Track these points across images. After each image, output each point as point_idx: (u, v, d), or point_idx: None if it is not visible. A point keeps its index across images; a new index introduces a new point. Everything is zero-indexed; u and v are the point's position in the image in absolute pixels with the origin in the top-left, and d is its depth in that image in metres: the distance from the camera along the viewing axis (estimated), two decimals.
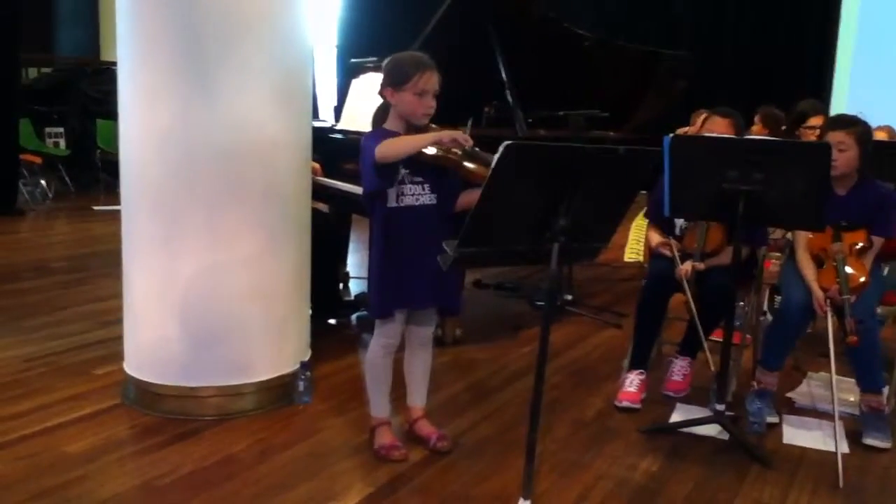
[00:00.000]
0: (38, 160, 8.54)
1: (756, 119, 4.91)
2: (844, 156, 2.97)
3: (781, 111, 4.93)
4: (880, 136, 4.53)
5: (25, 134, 8.43)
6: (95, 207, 8.10)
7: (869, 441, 2.92)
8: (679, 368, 3.40)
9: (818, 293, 2.94)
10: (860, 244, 2.98)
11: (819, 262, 3.02)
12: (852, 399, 3.15)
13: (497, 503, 2.43)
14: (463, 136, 2.40)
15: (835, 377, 2.83)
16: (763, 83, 8.91)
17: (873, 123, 3.29)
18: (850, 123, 3.02)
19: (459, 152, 2.43)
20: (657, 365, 3.56)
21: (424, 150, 2.42)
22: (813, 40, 8.96)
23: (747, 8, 9.34)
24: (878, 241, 3.02)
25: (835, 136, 2.97)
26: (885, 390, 3.08)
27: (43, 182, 8.58)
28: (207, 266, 2.89)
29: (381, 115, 2.60)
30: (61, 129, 9.59)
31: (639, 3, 9.80)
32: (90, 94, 9.90)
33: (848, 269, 2.89)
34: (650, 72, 5.21)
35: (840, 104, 8.31)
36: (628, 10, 9.79)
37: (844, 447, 2.85)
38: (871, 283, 2.94)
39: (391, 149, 2.42)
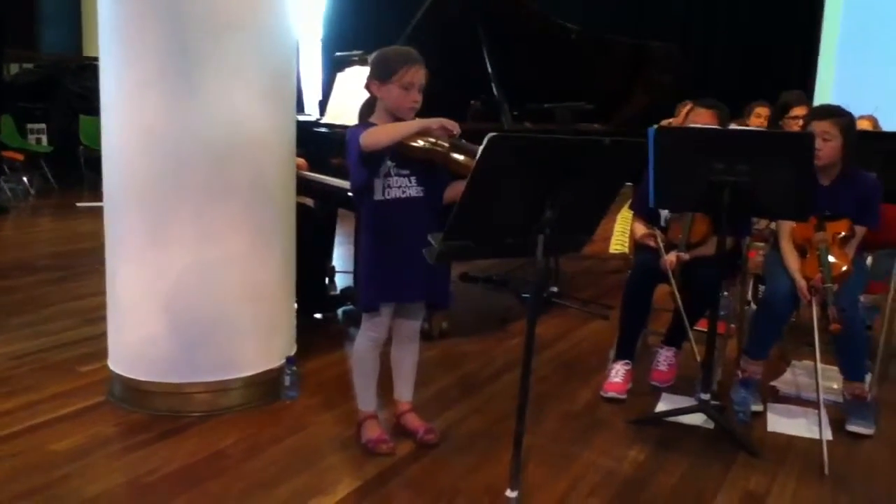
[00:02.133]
0: (20, 157, 8.48)
1: (759, 112, 4.90)
2: (829, 145, 2.99)
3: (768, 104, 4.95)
4: (864, 125, 4.56)
5: (7, 131, 8.37)
6: (79, 204, 8.04)
7: (853, 428, 2.95)
8: (664, 359, 3.42)
9: (801, 282, 2.96)
10: (843, 233, 3.00)
11: (802, 252, 3.04)
12: (836, 387, 3.18)
13: (485, 496, 2.44)
14: (450, 123, 2.40)
15: (819, 365, 2.86)
16: (747, 75, 8.96)
17: (857, 114, 3.31)
18: (835, 113, 3.04)
19: (447, 144, 2.42)
20: (643, 356, 3.57)
21: (412, 143, 2.42)
22: (797, 31, 9.01)
23: (733, 1, 9.37)
24: (860, 230, 3.05)
25: (819, 126, 2.99)
26: (868, 378, 3.10)
27: (25, 179, 8.51)
28: (192, 262, 2.87)
29: (367, 110, 2.59)
30: (44, 126, 9.53)
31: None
32: (73, 90, 9.83)
33: (831, 259, 2.91)
34: (637, 65, 5.21)
35: (824, 95, 8.36)
36: (618, 4, 9.79)
37: (829, 435, 2.88)
38: (854, 272, 2.97)
39: (378, 136, 2.42)
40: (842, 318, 2.78)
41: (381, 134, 2.42)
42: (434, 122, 2.41)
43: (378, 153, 2.46)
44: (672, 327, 3.44)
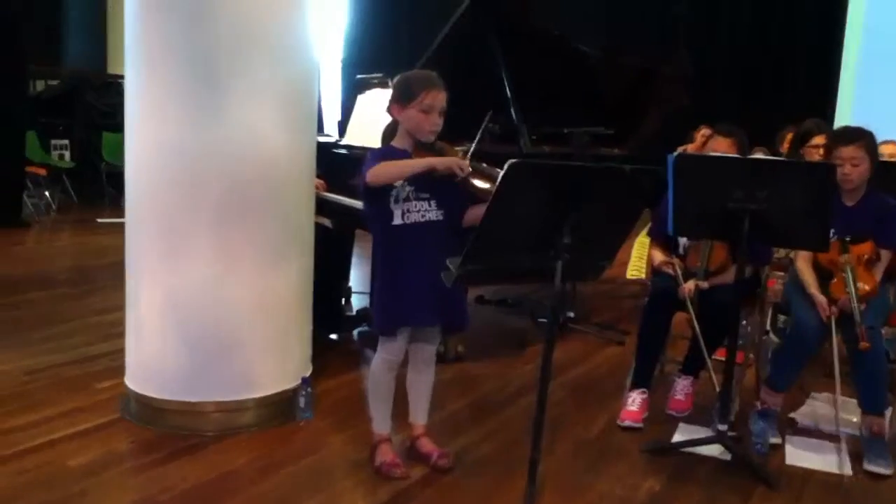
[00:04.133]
0: (43, 172, 8.57)
1: (790, 138, 4.85)
2: (858, 170, 2.99)
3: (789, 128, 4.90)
4: (888, 150, 4.50)
5: (31, 146, 8.47)
6: (100, 220, 8.11)
7: (870, 468, 2.86)
8: (682, 388, 3.38)
9: (820, 298, 2.94)
10: (867, 256, 2.99)
11: (829, 275, 3.01)
12: (855, 420, 3.13)
13: None
14: (458, 164, 2.40)
15: (839, 397, 2.82)
16: (767, 99, 8.93)
17: (879, 137, 3.28)
18: (858, 136, 3.02)
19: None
20: (660, 384, 3.54)
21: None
22: (817, 52, 8.97)
23: (750, 19, 9.36)
24: (885, 253, 3.03)
25: (847, 152, 2.98)
26: (889, 413, 3.05)
27: (48, 194, 8.61)
28: (210, 280, 2.89)
29: (390, 132, 2.61)
30: (67, 142, 9.64)
31: (638, 14, 9.80)
32: (96, 106, 9.96)
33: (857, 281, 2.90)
34: (653, 87, 5.21)
35: (844, 116, 8.29)
36: (635, 25, 9.80)
37: (848, 469, 2.83)
38: (879, 299, 2.94)
39: (382, 173, 2.44)
40: (871, 337, 2.76)
41: (386, 172, 2.44)
42: (440, 163, 2.42)
43: (381, 188, 2.47)
44: (689, 356, 3.41)
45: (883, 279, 3.09)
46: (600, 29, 9.07)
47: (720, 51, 9.49)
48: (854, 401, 3.07)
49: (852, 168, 2.97)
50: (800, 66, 9.09)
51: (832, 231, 2.92)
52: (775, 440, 3.07)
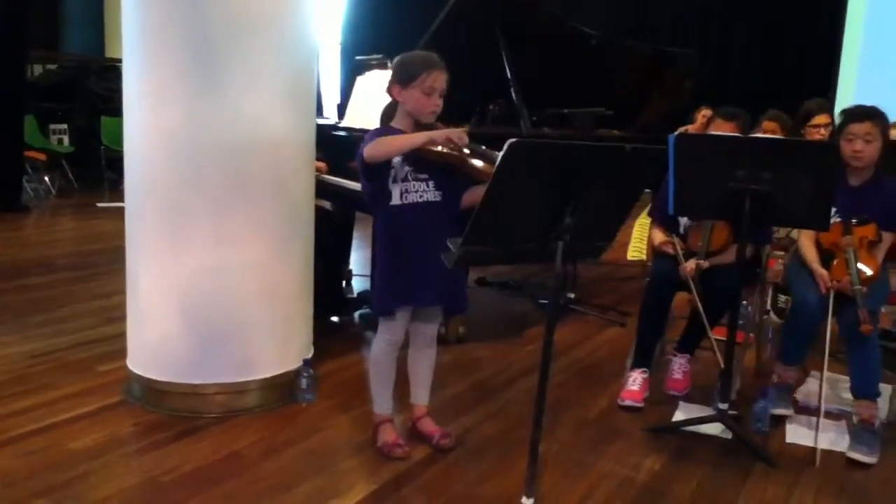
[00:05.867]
0: (42, 157, 8.57)
1: (766, 128, 4.84)
2: (871, 147, 2.96)
3: (786, 111, 4.88)
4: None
5: (30, 131, 8.45)
6: (99, 204, 8.11)
7: (853, 454, 2.80)
8: (679, 366, 3.39)
9: (822, 272, 2.94)
10: (870, 238, 2.99)
11: (830, 256, 3.01)
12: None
13: (500, 502, 2.43)
14: (457, 134, 2.39)
15: (825, 373, 2.88)
16: (767, 83, 8.90)
17: None
18: (875, 114, 2.99)
19: (465, 150, 2.42)
20: (661, 364, 3.55)
21: (429, 148, 2.42)
22: (818, 36, 8.94)
23: (753, 6, 9.32)
24: (887, 236, 3.01)
25: (861, 128, 2.95)
26: (882, 405, 3.02)
27: (47, 179, 8.60)
28: (211, 263, 2.89)
29: (389, 113, 2.60)
30: (66, 126, 9.62)
31: (645, 3, 9.78)
32: (95, 91, 9.93)
33: (859, 265, 2.89)
34: (656, 71, 5.19)
35: (846, 100, 8.27)
36: (637, 9, 9.77)
37: (826, 442, 2.86)
38: (879, 282, 2.93)
39: (380, 148, 2.43)
40: (872, 320, 2.75)
41: (384, 146, 2.43)
42: (438, 134, 2.41)
43: (381, 165, 2.46)
44: (686, 334, 3.42)
45: (886, 258, 3.08)
46: (600, 17, 9.02)
47: (719, 37, 9.46)
48: None
49: (865, 144, 2.94)
50: (800, 50, 9.06)
51: (834, 210, 2.91)
52: (787, 411, 3.08)
